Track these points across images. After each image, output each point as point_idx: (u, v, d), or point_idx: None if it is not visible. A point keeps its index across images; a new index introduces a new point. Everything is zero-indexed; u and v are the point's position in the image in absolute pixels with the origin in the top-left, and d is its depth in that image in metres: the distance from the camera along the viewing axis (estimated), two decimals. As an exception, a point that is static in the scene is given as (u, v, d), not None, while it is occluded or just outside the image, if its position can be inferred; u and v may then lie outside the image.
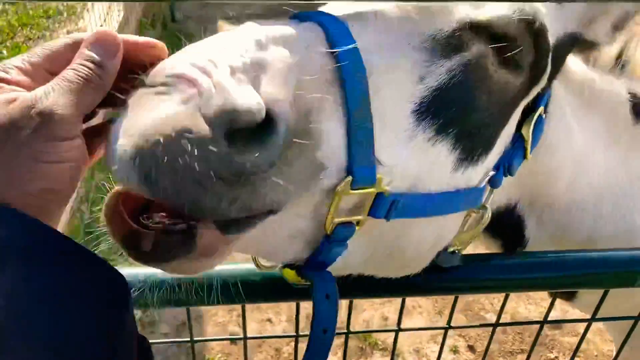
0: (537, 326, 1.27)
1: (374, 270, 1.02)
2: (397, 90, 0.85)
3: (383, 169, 0.83)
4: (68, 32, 4.94)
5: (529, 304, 3.65)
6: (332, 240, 0.85)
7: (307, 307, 0.94)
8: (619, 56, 1.36)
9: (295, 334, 1.18)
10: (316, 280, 0.89)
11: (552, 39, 1.02)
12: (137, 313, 3.15)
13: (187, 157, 0.66)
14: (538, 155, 1.15)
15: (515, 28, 0.95)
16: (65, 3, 5.72)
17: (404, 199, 0.86)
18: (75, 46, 0.76)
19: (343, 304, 1.00)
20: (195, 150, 0.66)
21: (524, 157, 1.09)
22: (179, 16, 7.02)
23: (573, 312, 3.60)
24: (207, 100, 0.68)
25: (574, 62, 1.29)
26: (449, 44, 0.90)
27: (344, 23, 0.83)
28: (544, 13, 0.99)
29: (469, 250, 1.12)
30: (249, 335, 1.19)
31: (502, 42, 0.93)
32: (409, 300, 3.65)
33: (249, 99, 0.68)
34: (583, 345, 3.39)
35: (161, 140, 0.66)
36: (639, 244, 1.34)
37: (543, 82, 1.06)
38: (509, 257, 1.17)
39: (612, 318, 1.33)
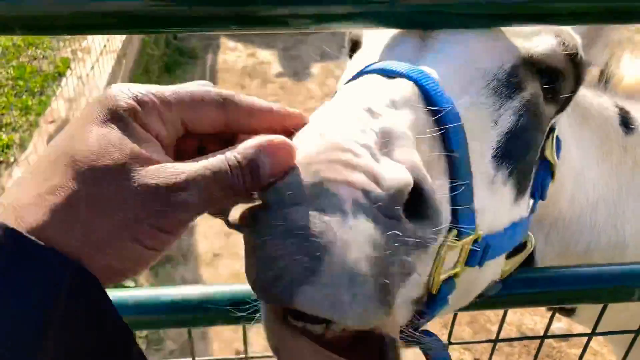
0: (551, 338, 1.27)
1: (453, 309, 1.00)
2: (480, 139, 0.85)
3: (477, 218, 0.82)
4: (72, 52, 5.00)
5: (534, 316, 3.64)
6: (437, 299, 0.80)
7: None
8: (602, 72, 1.39)
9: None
10: (433, 344, 0.86)
11: None
12: (143, 331, 3.16)
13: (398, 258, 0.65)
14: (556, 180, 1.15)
15: (563, 62, 0.96)
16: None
17: (491, 242, 0.86)
18: (223, 106, 0.67)
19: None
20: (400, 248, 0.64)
21: (552, 178, 1.09)
22: (182, 34, 7.09)
23: (578, 324, 3.59)
24: (373, 196, 0.63)
25: None
26: (511, 82, 0.90)
27: (433, 78, 0.80)
28: (580, 43, 0.99)
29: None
30: (252, 354, 1.19)
31: (552, 77, 0.94)
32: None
33: (400, 174, 0.65)
34: (590, 357, 3.38)
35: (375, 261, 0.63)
36: (630, 254, 1.36)
37: (567, 107, 1.07)
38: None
39: (612, 332, 1.33)
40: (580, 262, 1.35)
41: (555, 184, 1.19)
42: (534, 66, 0.94)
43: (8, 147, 4.67)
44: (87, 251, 0.58)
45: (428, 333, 0.87)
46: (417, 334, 0.83)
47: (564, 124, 1.25)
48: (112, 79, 4.14)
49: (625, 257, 1.38)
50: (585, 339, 1.23)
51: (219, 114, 0.66)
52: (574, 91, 1.01)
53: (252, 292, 0.68)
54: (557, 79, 0.95)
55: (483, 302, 1.15)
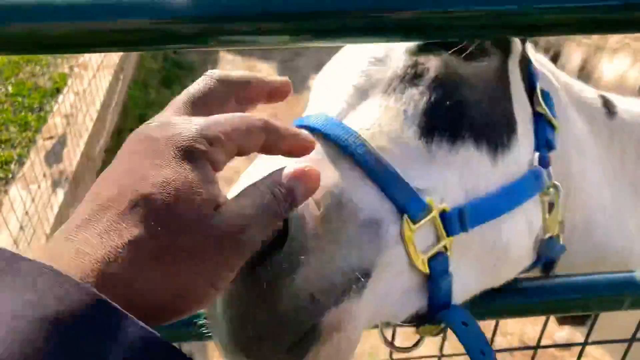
0: (545, 348, 1.27)
1: (492, 281, 1.06)
2: (393, 134, 0.93)
3: (428, 193, 0.90)
4: (71, 68, 5.03)
5: (535, 325, 3.62)
6: (433, 277, 0.89)
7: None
8: (583, 68, 1.43)
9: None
10: (446, 317, 0.93)
11: None
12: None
13: None
14: (560, 145, 1.19)
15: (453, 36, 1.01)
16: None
17: (467, 208, 0.93)
18: (264, 130, 0.68)
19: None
20: None
21: (553, 128, 1.15)
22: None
23: (581, 333, 3.57)
24: None
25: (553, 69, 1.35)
26: (409, 73, 1.00)
27: (319, 115, 0.93)
28: None
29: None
30: None
31: (457, 45, 1.00)
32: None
33: None
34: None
35: None
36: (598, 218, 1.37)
37: (515, 49, 1.12)
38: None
39: (606, 341, 1.33)
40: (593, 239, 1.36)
41: (562, 148, 1.21)
42: (427, 48, 1.02)
43: (7, 163, 4.70)
44: (171, 303, 0.57)
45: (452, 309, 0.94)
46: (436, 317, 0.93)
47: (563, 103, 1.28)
48: (110, 94, 4.17)
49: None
50: (590, 348, 1.23)
51: (261, 137, 0.68)
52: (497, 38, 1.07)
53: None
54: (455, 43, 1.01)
55: (471, 312, 1.15)
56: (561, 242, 1.16)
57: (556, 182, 1.11)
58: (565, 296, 1.15)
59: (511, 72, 1.11)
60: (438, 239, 0.90)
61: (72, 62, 5.11)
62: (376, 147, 0.89)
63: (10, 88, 5.67)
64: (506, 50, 1.09)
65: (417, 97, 0.97)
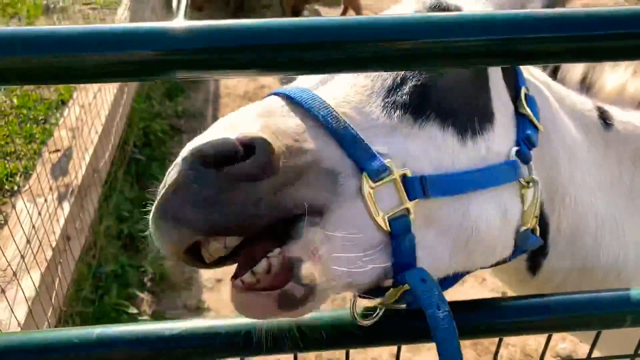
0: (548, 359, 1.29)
1: (466, 260, 1.11)
2: (359, 105, 1.02)
3: (389, 158, 0.97)
4: (76, 80, 5.07)
5: (540, 337, 3.63)
6: (394, 235, 0.95)
7: None
8: (584, 79, 1.46)
9: None
10: (407, 275, 0.96)
11: None
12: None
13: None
14: (544, 144, 1.26)
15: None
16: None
17: (430, 177, 0.99)
18: None
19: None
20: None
21: (536, 129, 1.22)
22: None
23: (583, 345, 3.57)
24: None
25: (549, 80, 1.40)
26: None
27: (301, 90, 1.02)
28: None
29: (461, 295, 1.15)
30: None
31: None
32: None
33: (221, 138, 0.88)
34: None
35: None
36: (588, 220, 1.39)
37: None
38: (496, 300, 1.20)
39: (610, 357, 1.34)
40: (587, 260, 1.38)
41: (549, 151, 1.28)
42: None
43: (13, 175, 4.73)
44: None
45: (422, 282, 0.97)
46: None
47: (553, 106, 1.33)
48: (115, 107, 4.20)
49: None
50: None
51: None
52: None
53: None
54: None
55: (474, 329, 1.17)
56: (537, 235, 1.21)
57: (534, 177, 1.16)
58: (567, 314, 1.17)
59: (491, 74, 1.18)
60: (400, 202, 0.96)
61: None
62: (341, 113, 0.97)
63: (15, 100, 5.72)
64: None
65: (385, 75, 1.05)
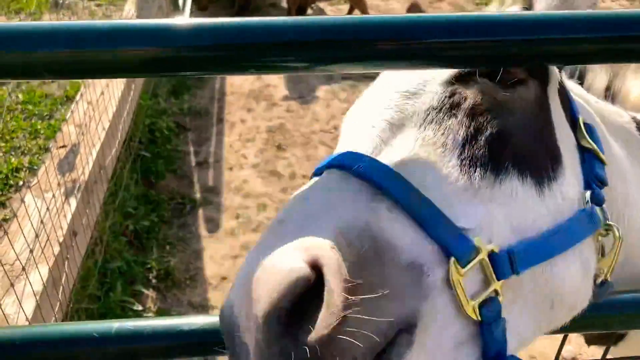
0: None
1: (548, 326, 1.01)
2: (432, 168, 0.89)
3: (475, 233, 0.84)
4: (81, 76, 5.07)
5: (544, 339, 3.62)
6: (485, 323, 0.82)
7: None
8: (608, 87, 1.40)
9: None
10: None
11: None
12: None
13: None
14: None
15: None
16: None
17: (517, 248, 0.87)
18: None
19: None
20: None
21: (603, 163, 1.09)
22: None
23: (586, 349, 3.57)
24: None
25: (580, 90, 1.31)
26: (446, 105, 0.96)
27: (351, 153, 0.90)
28: None
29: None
30: None
31: (490, 73, 0.98)
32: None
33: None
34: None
35: None
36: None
37: (553, 77, 1.08)
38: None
39: (621, 358, 1.34)
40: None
41: (617, 185, 1.16)
42: (464, 78, 0.99)
43: (17, 170, 4.72)
44: None
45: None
46: None
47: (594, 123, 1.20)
48: (122, 104, 4.20)
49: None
50: None
51: None
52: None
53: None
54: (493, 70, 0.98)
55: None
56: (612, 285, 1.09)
57: (611, 223, 1.04)
58: (587, 314, 1.16)
59: (551, 101, 1.07)
60: (488, 283, 0.83)
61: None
62: (415, 184, 0.83)
63: (20, 96, 5.72)
64: (544, 79, 1.05)
65: (455, 128, 0.93)
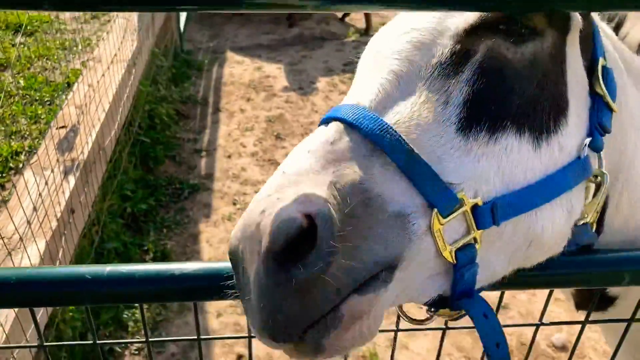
0: (543, 349, 1.30)
1: (522, 264, 1.06)
2: (430, 126, 0.93)
3: (461, 188, 0.91)
4: (83, 63, 5.10)
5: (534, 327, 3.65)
6: (459, 266, 0.91)
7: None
8: None
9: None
10: (469, 307, 0.96)
11: None
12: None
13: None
14: (617, 125, 1.13)
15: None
16: (80, 35, 5.91)
17: (501, 200, 0.93)
18: None
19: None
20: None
21: (611, 110, 1.09)
22: (189, 47, 7.22)
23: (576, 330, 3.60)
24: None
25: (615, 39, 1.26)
26: (454, 61, 0.97)
27: (354, 106, 0.95)
28: None
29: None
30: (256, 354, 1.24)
31: (505, 26, 0.97)
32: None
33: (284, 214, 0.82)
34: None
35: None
36: None
37: (575, 25, 1.05)
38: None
39: (605, 320, 1.37)
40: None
41: (620, 130, 1.15)
42: (483, 29, 0.98)
43: (17, 153, 4.75)
44: None
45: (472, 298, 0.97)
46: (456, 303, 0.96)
47: (619, 71, 1.18)
48: (122, 88, 4.23)
49: None
50: (588, 350, 1.24)
51: None
52: (550, 15, 1.00)
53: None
54: (510, 21, 0.97)
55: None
56: (592, 231, 1.13)
57: (604, 171, 1.06)
58: (568, 270, 1.19)
59: (569, 49, 1.05)
60: (468, 231, 0.91)
61: (84, 57, 5.18)
62: (412, 141, 0.89)
63: (22, 81, 5.75)
64: (564, 27, 1.03)
65: (459, 86, 0.95)
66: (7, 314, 2.28)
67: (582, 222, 1.09)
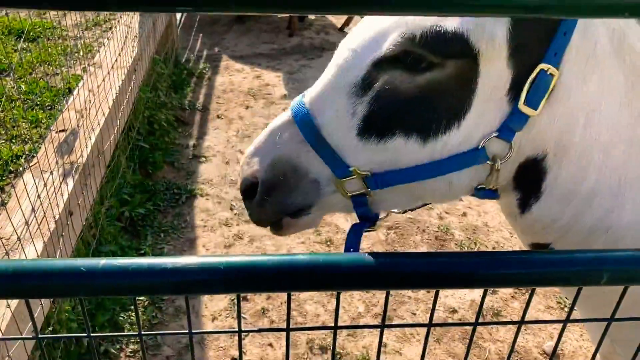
0: (535, 356, 1.35)
1: (418, 204, 1.55)
2: (341, 127, 1.38)
3: (356, 166, 1.40)
4: (84, 69, 5.16)
5: (526, 334, 3.68)
6: (354, 202, 1.46)
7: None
8: None
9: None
10: (356, 226, 1.52)
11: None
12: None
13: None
14: (554, 101, 1.33)
15: (406, 46, 1.29)
16: (82, 41, 5.98)
17: (380, 176, 1.40)
18: None
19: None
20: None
21: (526, 117, 1.33)
22: (189, 55, 7.28)
23: (568, 343, 3.63)
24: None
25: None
26: (362, 85, 1.35)
27: (302, 109, 1.43)
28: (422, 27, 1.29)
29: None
30: (249, 359, 1.27)
31: (404, 61, 1.30)
32: (407, 328, 3.69)
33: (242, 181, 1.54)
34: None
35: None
36: (625, 198, 1.41)
37: (495, 48, 1.28)
38: (481, 254, 1.27)
39: (585, 319, 1.41)
40: (580, 211, 1.43)
41: (565, 112, 1.35)
42: (387, 61, 1.32)
43: (18, 157, 4.80)
44: None
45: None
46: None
47: (600, 53, 1.33)
48: (122, 93, 4.28)
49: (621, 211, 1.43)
50: (569, 349, 1.29)
51: None
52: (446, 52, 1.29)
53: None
54: (408, 56, 1.30)
55: (457, 279, 1.23)
56: (497, 193, 1.49)
57: (498, 158, 1.37)
58: (547, 269, 1.23)
59: (485, 66, 1.29)
60: (362, 188, 1.42)
61: (85, 63, 5.24)
62: (328, 134, 1.39)
63: (23, 86, 5.81)
64: (471, 55, 1.28)
65: (362, 104, 1.35)
66: (3, 313, 2.31)
67: (481, 186, 1.45)
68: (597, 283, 1.25)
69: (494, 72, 1.30)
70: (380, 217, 1.56)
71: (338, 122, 1.37)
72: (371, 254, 1.11)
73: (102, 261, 1.15)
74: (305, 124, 1.39)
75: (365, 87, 1.34)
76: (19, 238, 2.56)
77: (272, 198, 1.45)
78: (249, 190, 1.48)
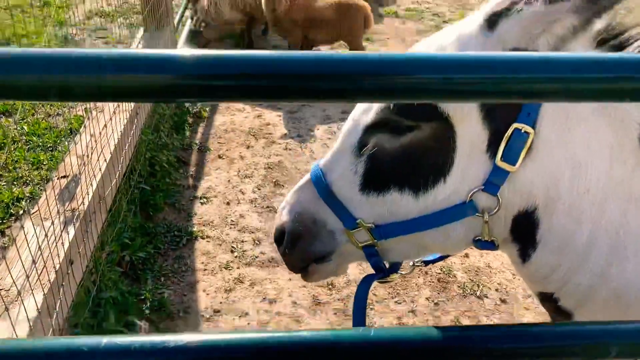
0: None
1: (423, 255, 1.75)
2: (347, 183, 1.60)
3: (362, 218, 1.58)
4: (86, 110, 5.21)
5: None
6: (365, 253, 1.63)
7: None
8: None
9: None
10: (368, 277, 1.70)
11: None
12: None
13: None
14: (536, 156, 1.41)
15: (388, 114, 1.48)
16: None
17: (383, 227, 1.57)
18: None
19: None
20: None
21: (506, 173, 1.42)
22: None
23: None
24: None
25: None
26: (358, 147, 1.57)
27: (319, 173, 1.66)
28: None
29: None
30: None
31: (390, 125, 1.49)
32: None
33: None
34: None
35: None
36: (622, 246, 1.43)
37: (467, 113, 1.42)
38: (480, 328, 1.26)
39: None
40: (577, 262, 1.46)
41: (548, 165, 1.41)
42: (373, 127, 1.53)
43: (19, 200, 4.80)
44: None
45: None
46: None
47: (582, 109, 1.40)
48: (124, 138, 4.31)
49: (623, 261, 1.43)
50: None
51: None
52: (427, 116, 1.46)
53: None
54: (393, 121, 1.49)
55: (450, 355, 1.21)
56: (495, 244, 1.55)
57: (487, 211, 1.46)
58: (553, 343, 1.22)
59: (461, 127, 1.43)
60: (369, 239, 1.59)
61: (87, 105, 5.29)
62: (337, 190, 1.60)
63: (25, 127, 5.85)
64: (446, 119, 1.43)
65: (361, 164, 1.56)
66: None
67: (477, 238, 1.54)
68: (605, 357, 1.23)
69: (471, 131, 1.42)
70: (395, 269, 1.73)
71: (344, 179, 1.59)
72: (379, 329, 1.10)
73: (104, 340, 1.14)
74: (319, 182, 1.62)
75: (360, 148, 1.55)
76: (19, 292, 2.54)
77: (298, 246, 1.67)
78: (280, 238, 1.72)
